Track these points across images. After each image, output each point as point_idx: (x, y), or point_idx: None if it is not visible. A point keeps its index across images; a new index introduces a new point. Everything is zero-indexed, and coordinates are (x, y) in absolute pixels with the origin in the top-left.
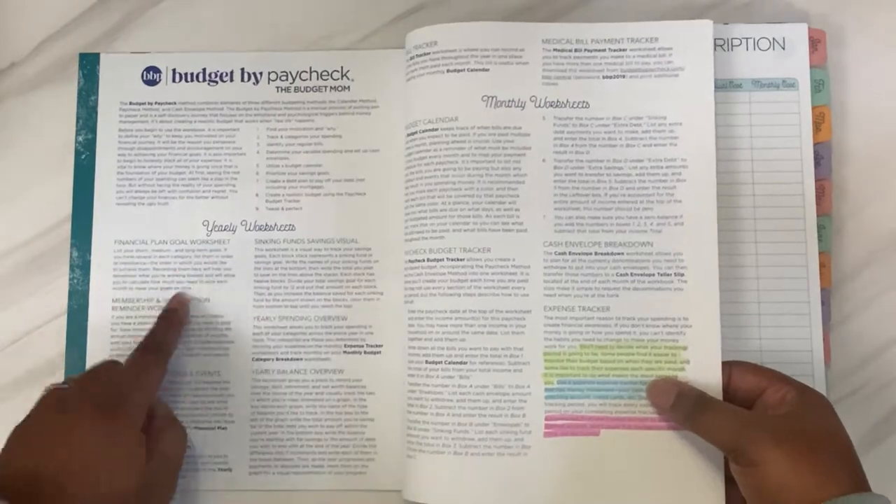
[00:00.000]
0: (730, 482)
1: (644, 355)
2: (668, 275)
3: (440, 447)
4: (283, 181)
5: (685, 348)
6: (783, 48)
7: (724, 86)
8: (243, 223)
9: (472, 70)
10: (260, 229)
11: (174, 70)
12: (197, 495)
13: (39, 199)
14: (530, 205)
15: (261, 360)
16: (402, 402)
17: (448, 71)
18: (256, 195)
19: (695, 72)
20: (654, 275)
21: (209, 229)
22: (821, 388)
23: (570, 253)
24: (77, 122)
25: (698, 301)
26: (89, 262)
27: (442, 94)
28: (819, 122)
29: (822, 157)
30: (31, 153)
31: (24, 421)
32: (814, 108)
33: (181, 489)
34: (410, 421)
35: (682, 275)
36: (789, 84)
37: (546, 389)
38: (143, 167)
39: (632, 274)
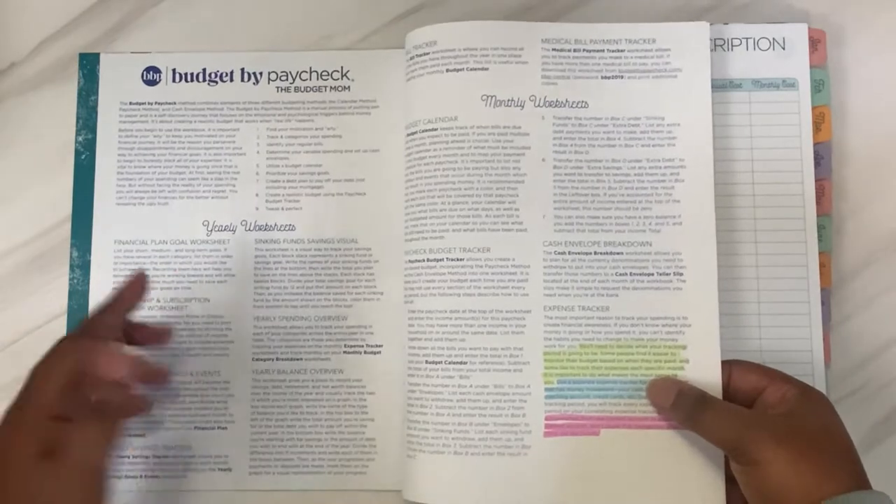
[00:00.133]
0: (730, 481)
1: (644, 355)
2: (667, 274)
3: (440, 447)
4: (283, 181)
5: (684, 347)
6: (783, 48)
7: (724, 86)
8: (243, 223)
9: (471, 69)
10: (260, 229)
11: (174, 70)
12: (197, 495)
13: (39, 199)
14: (530, 204)
15: (261, 360)
16: (402, 402)
17: (447, 70)
18: (256, 195)
19: (692, 73)
20: (653, 274)
21: (209, 229)
22: (821, 388)
23: (569, 252)
24: (77, 122)
25: (697, 300)
26: (89, 262)
27: (441, 93)
28: (819, 122)
29: (822, 157)
30: (31, 153)
31: None
32: (814, 108)
33: (181, 489)
34: (410, 421)
35: (681, 274)
36: (789, 84)
37: (546, 389)
38: (143, 167)
39: (631, 273)
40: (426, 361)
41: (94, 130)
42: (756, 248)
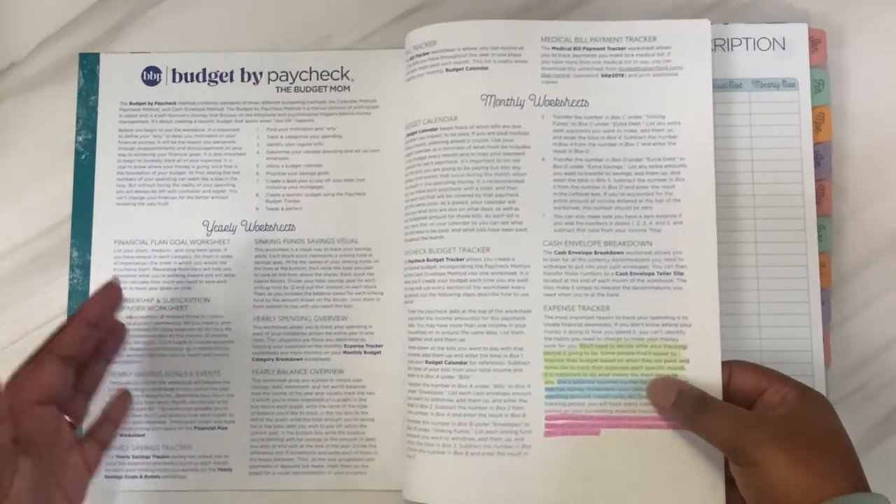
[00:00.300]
0: (730, 483)
1: (644, 354)
2: (667, 274)
3: (440, 447)
4: (283, 181)
5: (685, 347)
6: (783, 48)
7: (724, 86)
8: (243, 223)
9: (470, 69)
10: (260, 229)
11: (174, 70)
12: (197, 495)
13: (39, 199)
14: (530, 204)
15: (261, 360)
16: (402, 402)
17: (447, 70)
18: (256, 195)
19: (693, 71)
20: (653, 274)
21: (209, 229)
22: (821, 388)
23: (569, 252)
24: (77, 122)
25: (697, 300)
26: (89, 262)
27: (441, 93)
28: (819, 122)
29: (822, 157)
30: (31, 153)
31: None
32: (814, 108)
33: (181, 489)
34: (410, 421)
35: (682, 274)
36: (789, 84)
37: (546, 389)
38: (143, 167)
39: (631, 273)
40: (426, 361)
41: (94, 130)
42: (756, 248)
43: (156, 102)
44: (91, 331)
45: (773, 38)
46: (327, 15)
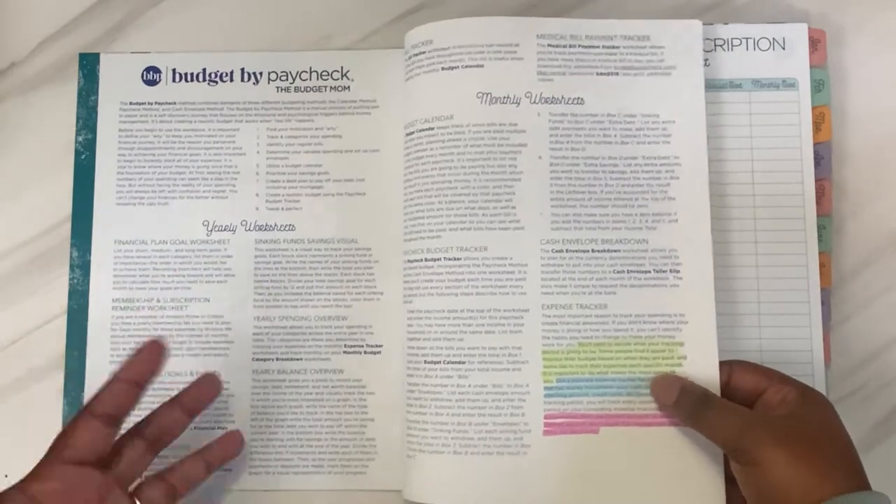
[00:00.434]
0: (730, 482)
1: (641, 352)
2: (663, 271)
3: (440, 447)
4: (283, 181)
5: (682, 344)
6: (783, 48)
7: (723, 86)
8: (243, 223)
9: (466, 67)
10: (260, 229)
11: (174, 70)
12: (197, 495)
13: (39, 199)
14: (527, 202)
15: (261, 360)
16: (402, 402)
17: (443, 69)
18: (256, 195)
19: (685, 71)
20: (650, 272)
21: (209, 229)
22: (821, 388)
23: (567, 250)
24: (77, 122)
25: (694, 297)
26: (89, 262)
27: (437, 92)
28: (819, 122)
29: (822, 157)
30: (31, 153)
31: None
32: (814, 108)
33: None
34: (410, 421)
35: (678, 271)
36: (789, 84)
37: (545, 388)
38: (143, 167)
39: (628, 271)
40: (425, 361)
41: (94, 130)
42: (756, 248)
43: (156, 102)
44: (132, 389)
45: (773, 38)
46: (327, 15)
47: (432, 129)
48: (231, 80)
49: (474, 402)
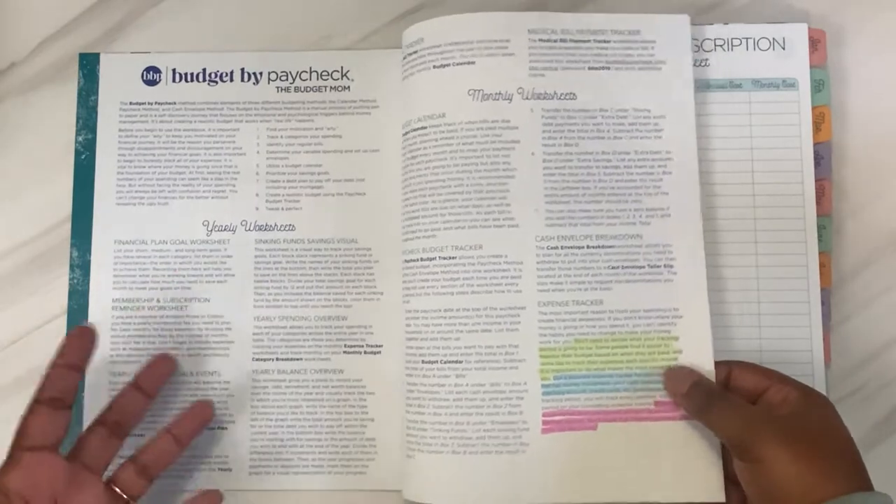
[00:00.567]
0: (729, 480)
1: (638, 347)
2: (657, 266)
3: (438, 447)
4: (283, 181)
5: (677, 338)
6: (783, 48)
7: (723, 86)
8: (243, 223)
9: (457, 64)
10: (260, 229)
11: (174, 70)
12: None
13: (39, 199)
14: (521, 199)
15: (261, 360)
16: (402, 402)
17: (434, 67)
18: (256, 195)
19: (675, 66)
20: (644, 267)
21: (209, 229)
22: (821, 388)
23: (562, 247)
24: (77, 122)
25: (688, 291)
26: (89, 262)
27: (430, 91)
28: (819, 122)
29: (822, 157)
30: (31, 153)
31: None
32: (814, 108)
33: (182, 489)
34: (409, 420)
35: (672, 266)
36: (789, 84)
37: (543, 386)
38: (143, 167)
39: (623, 267)
40: (422, 361)
41: (94, 130)
42: (756, 248)
43: (156, 102)
44: (70, 372)
45: (773, 38)
46: (327, 15)
47: (425, 128)
48: (231, 80)
49: (472, 401)
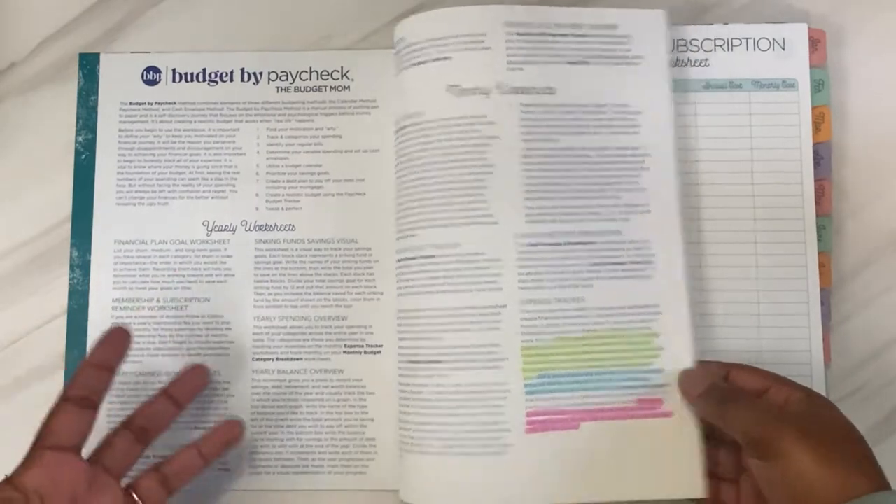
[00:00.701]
0: (727, 482)
1: (619, 344)
2: (637, 263)
3: (425, 448)
4: (283, 181)
5: (657, 335)
6: (783, 48)
7: (723, 86)
8: (243, 223)
9: (435, 60)
10: (260, 229)
11: (174, 70)
12: (197, 495)
13: (39, 199)
14: (500, 196)
15: (261, 360)
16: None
17: (414, 65)
18: (256, 195)
19: (652, 61)
20: (624, 263)
21: (209, 229)
22: (820, 388)
23: (542, 244)
24: (77, 122)
25: (667, 288)
26: (89, 262)
27: (410, 89)
28: (819, 122)
29: (822, 157)
30: (31, 153)
31: None
32: (814, 108)
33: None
34: (401, 421)
35: (651, 262)
36: (789, 84)
37: (526, 385)
38: (143, 167)
39: (604, 263)
40: (409, 361)
41: (94, 130)
42: (756, 248)
43: (156, 102)
44: (102, 372)
45: (773, 39)
46: (327, 15)
47: (406, 127)
48: (231, 80)
49: (455, 401)
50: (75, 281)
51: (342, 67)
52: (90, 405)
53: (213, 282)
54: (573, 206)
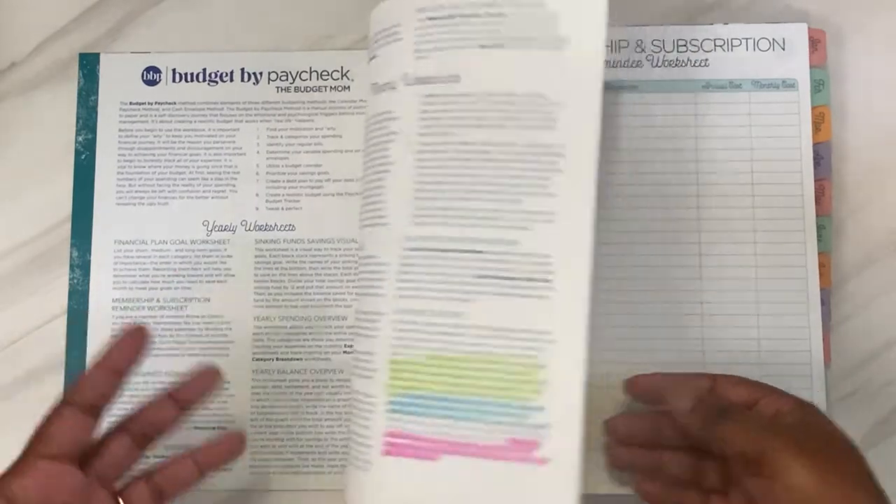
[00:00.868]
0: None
1: (496, 372)
2: (532, 280)
3: (343, 459)
4: (283, 181)
5: (544, 367)
6: (783, 48)
7: (723, 86)
8: (243, 223)
9: (370, 60)
10: (260, 229)
11: (174, 70)
12: (197, 495)
13: (39, 199)
14: (393, 195)
15: (261, 360)
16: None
17: (367, 65)
18: (256, 195)
19: (583, 46)
20: (517, 279)
21: (209, 229)
22: (820, 388)
23: (425, 249)
24: (77, 122)
25: (565, 313)
26: (89, 262)
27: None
28: (819, 122)
29: (822, 157)
30: (31, 153)
31: None
32: (814, 108)
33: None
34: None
35: (549, 281)
36: (789, 84)
37: (391, 402)
38: (143, 167)
39: (491, 276)
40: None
41: (94, 130)
42: (755, 249)
43: (156, 102)
44: (113, 377)
45: (773, 39)
46: (327, 15)
47: (342, 136)
48: (231, 80)
49: (349, 411)
50: (75, 281)
51: (342, 67)
52: (94, 412)
53: (213, 282)
54: (464, 209)
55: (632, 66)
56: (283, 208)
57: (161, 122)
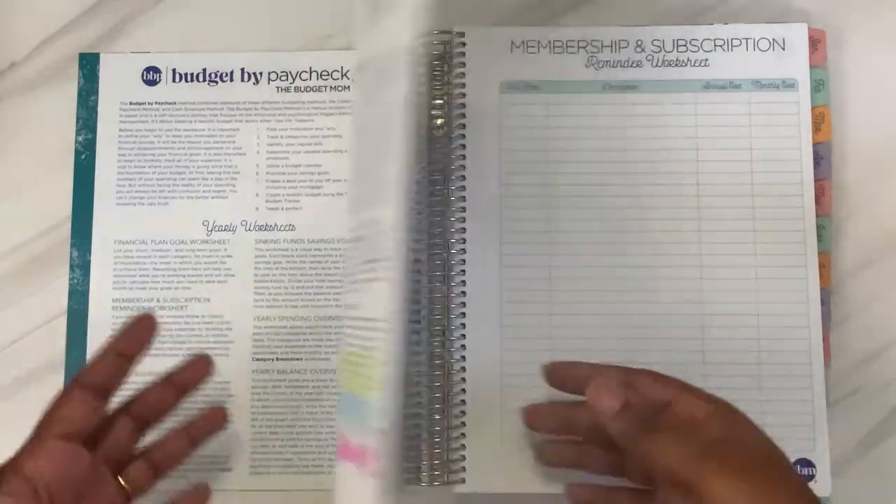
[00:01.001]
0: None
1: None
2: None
3: None
4: (283, 181)
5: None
6: (783, 48)
7: (723, 86)
8: (243, 223)
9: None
10: (260, 229)
11: (174, 70)
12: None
13: (39, 199)
14: None
15: (261, 360)
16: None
17: None
18: (256, 195)
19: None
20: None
21: (209, 229)
22: (820, 388)
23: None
24: (77, 122)
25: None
26: (89, 262)
27: None
28: (819, 122)
29: (822, 157)
30: (31, 153)
31: None
32: (813, 108)
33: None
34: None
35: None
36: (789, 84)
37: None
38: (143, 167)
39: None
40: None
41: (94, 130)
42: (755, 249)
43: (156, 102)
44: (123, 362)
45: (773, 39)
46: (327, 15)
47: None
48: (231, 80)
49: None
50: (75, 281)
51: (342, 67)
52: (103, 395)
53: (213, 282)
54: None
55: (632, 66)
56: (283, 208)
57: (161, 122)
